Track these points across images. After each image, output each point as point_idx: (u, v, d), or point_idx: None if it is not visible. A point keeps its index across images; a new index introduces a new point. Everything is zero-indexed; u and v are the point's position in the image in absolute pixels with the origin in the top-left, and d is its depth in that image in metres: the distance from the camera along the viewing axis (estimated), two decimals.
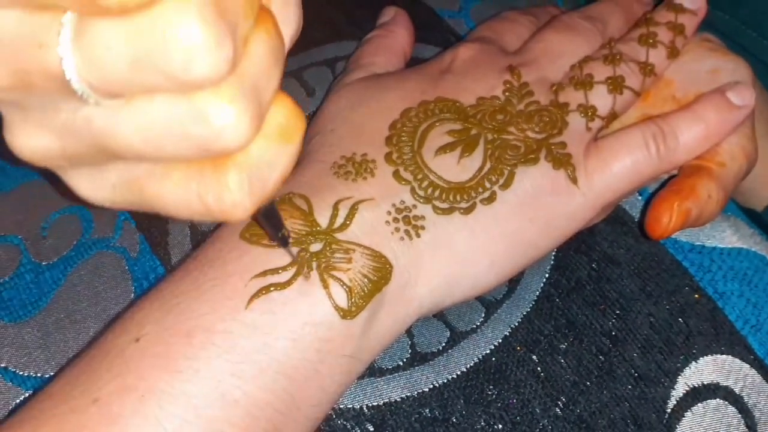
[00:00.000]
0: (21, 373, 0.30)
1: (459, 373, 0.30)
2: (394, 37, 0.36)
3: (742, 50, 0.37)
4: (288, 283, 0.26)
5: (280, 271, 0.26)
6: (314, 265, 0.26)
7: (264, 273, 0.26)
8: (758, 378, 0.32)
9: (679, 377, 0.31)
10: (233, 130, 0.17)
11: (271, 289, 0.25)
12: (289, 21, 0.19)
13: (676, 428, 0.30)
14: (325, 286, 0.26)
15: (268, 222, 0.24)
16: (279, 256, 0.26)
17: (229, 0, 0.16)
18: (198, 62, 0.16)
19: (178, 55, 0.15)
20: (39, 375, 0.30)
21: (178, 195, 0.19)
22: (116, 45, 0.15)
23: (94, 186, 0.19)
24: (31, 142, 0.18)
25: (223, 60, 0.16)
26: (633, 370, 0.31)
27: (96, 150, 0.18)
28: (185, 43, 0.15)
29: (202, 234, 0.33)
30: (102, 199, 0.20)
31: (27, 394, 0.30)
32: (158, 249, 0.32)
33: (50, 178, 0.21)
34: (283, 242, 0.25)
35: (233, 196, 0.19)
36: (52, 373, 0.30)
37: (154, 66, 0.16)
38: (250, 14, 0.17)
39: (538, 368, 0.31)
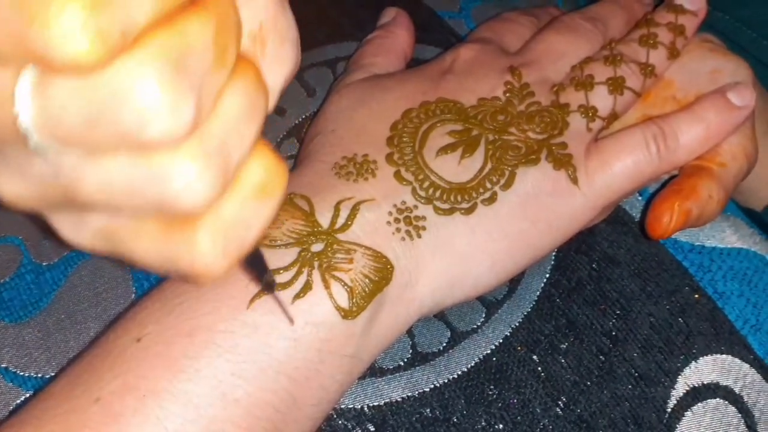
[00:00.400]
0: (21, 373, 0.30)
1: (460, 373, 0.30)
2: (394, 37, 0.36)
3: (742, 51, 0.37)
4: (289, 284, 0.26)
5: (281, 271, 0.26)
6: (316, 265, 0.26)
7: None
8: (758, 378, 0.32)
9: (679, 377, 0.31)
10: (192, 192, 0.16)
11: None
12: (285, 60, 0.19)
13: (676, 428, 0.31)
14: (327, 287, 0.26)
15: (252, 268, 0.23)
16: (280, 257, 0.26)
17: (194, 56, 0.15)
18: (153, 124, 0.15)
19: (130, 117, 0.15)
20: (39, 375, 0.30)
21: (151, 253, 0.18)
22: (71, 104, 0.15)
23: (75, 232, 0.19)
24: (12, 188, 0.18)
25: (181, 122, 0.15)
26: (633, 370, 0.31)
27: (68, 200, 0.17)
28: (138, 105, 0.15)
29: None
30: (84, 244, 0.19)
31: (27, 395, 0.30)
32: None
33: None
34: (269, 288, 0.24)
35: (205, 259, 0.18)
36: (52, 374, 0.30)
37: (108, 126, 0.15)
38: (222, 67, 0.16)
39: (539, 368, 0.31)
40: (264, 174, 0.18)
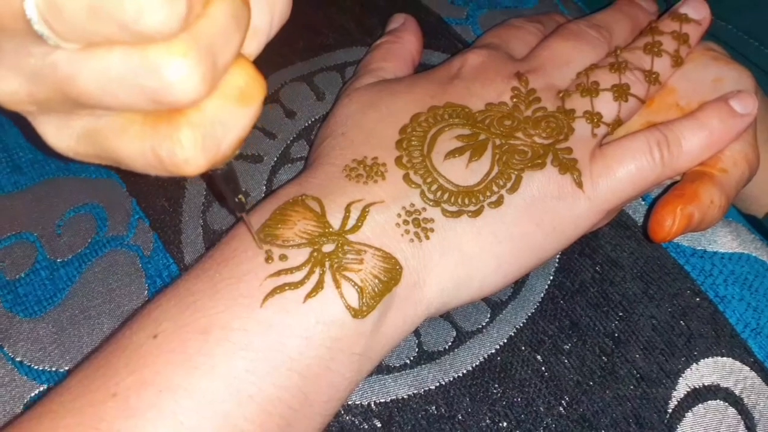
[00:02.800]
0: (36, 367, 0.31)
1: (465, 371, 0.31)
2: (403, 43, 0.36)
3: (745, 59, 0.38)
4: (301, 283, 0.26)
5: (294, 270, 0.26)
6: (327, 265, 0.27)
7: (278, 272, 0.26)
8: (758, 380, 0.33)
9: (680, 378, 0.32)
10: (183, 84, 0.18)
11: (286, 288, 0.26)
12: (274, 3, 0.20)
13: (677, 428, 0.31)
14: (337, 286, 0.27)
15: (225, 185, 0.24)
16: (293, 257, 0.27)
17: None
18: (148, 15, 0.16)
19: (130, 6, 0.16)
20: (53, 369, 0.31)
21: (134, 148, 0.19)
22: None
23: (59, 134, 0.20)
24: (2, 85, 0.19)
25: (174, 15, 0.17)
26: (635, 371, 0.32)
27: (61, 96, 0.18)
28: None
29: (215, 233, 0.34)
30: (66, 147, 0.20)
31: (41, 388, 0.30)
32: (171, 247, 0.33)
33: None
34: (240, 207, 0.25)
35: (185, 152, 0.19)
36: (66, 368, 0.30)
37: (108, 15, 0.16)
38: None
39: (543, 368, 0.31)
40: (244, 82, 0.20)
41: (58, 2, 0.16)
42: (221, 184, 0.24)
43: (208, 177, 0.23)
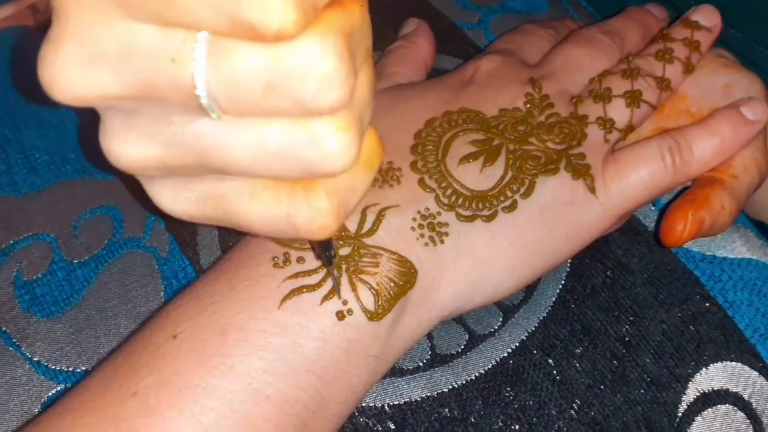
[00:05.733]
0: (53, 367, 0.31)
1: (477, 374, 0.31)
2: (416, 48, 0.37)
3: (755, 67, 0.38)
4: (318, 285, 0.27)
5: (311, 273, 0.27)
6: (343, 268, 0.27)
7: (296, 275, 0.27)
8: (766, 385, 0.33)
9: (690, 383, 0.32)
10: (342, 155, 0.18)
11: (303, 290, 0.26)
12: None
13: None
14: (354, 289, 0.27)
15: (322, 241, 0.24)
16: (310, 259, 0.27)
17: (354, 38, 0.17)
18: (328, 93, 0.17)
19: (312, 85, 0.16)
20: (70, 369, 0.31)
21: (266, 214, 0.20)
22: (256, 68, 0.16)
23: (176, 197, 0.20)
24: (132, 150, 0.19)
25: (348, 91, 0.17)
26: (645, 375, 0.32)
27: (198, 164, 0.19)
28: (321, 74, 0.16)
29: (231, 235, 0.34)
30: (181, 211, 0.21)
31: (59, 388, 0.31)
32: (187, 249, 0.33)
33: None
34: (329, 261, 0.26)
35: (323, 219, 0.20)
36: (83, 368, 0.31)
37: (286, 92, 0.17)
38: (364, 50, 0.18)
39: (554, 371, 0.32)
40: (370, 147, 0.20)
41: (235, 80, 0.16)
42: (316, 241, 0.24)
43: None
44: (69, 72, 0.17)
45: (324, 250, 0.25)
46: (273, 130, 0.18)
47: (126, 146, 0.19)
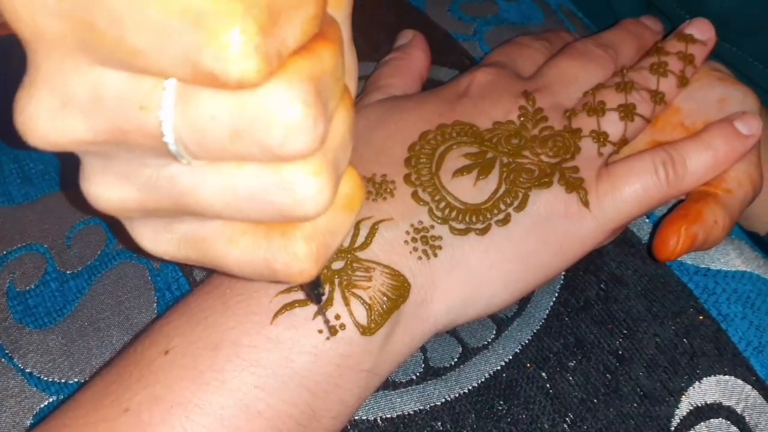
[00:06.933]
0: (45, 378, 0.31)
1: (470, 388, 0.31)
2: (411, 59, 0.37)
3: (749, 80, 0.38)
4: (310, 300, 0.27)
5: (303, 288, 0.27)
6: (336, 282, 0.27)
7: (288, 290, 0.27)
8: (760, 399, 0.33)
9: (683, 396, 0.32)
10: (314, 200, 0.18)
11: (295, 305, 0.26)
12: (353, 92, 0.21)
13: None
14: (346, 303, 0.27)
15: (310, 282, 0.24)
16: None
17: (325, 82, 0.17)
18: (295, 139, 0.17)
19: (278, 132, 0.16)
20: (63, 381, 0.31)
21: (244, 258, 0.20)
22: (221, 115, 0.16)
23: (157, 239, 0.20)
24: (109, 192, 0.19)
25: (317, 138, 0.17)
26: (639, 389, 0.32)
27: (175, 207, 0.19)
28: (287, 121, 0.16)
29: None
30: (162, 251, 0.20)
31: (51, 399, 0.30)
32: None
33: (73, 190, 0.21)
34: (317, 299, 0.26)
35: (301, 264, 0.19)
36: (75, 380, 0.31)
37: (253, 138, 0.17)
38: (338, 94, 0.18)
39: (547, 385, 0.32)
40: (351, 189, 0.20)
41: (201, 127, 0.16)
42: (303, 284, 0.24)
43: None
44: (42, 118, 0.17)
45: (312, 288, 0.25)
46: (245, 174, 0.18)
47: (103, 188, 0.19)
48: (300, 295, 0.27)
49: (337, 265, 0.28)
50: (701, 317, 0.34)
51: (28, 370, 0.31)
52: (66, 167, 0.36)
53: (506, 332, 0.33)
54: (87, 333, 0.32)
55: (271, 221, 0.19)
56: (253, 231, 0.19)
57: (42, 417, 0.29)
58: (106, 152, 0.18)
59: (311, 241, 0.19)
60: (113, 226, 0.34)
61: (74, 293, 0.33)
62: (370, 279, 0.28)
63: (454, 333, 0.33)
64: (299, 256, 0.19)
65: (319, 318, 0.26)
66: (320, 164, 0.18)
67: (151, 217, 0.20)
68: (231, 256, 0.20)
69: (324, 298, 0.26)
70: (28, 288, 0.33)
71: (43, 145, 0.18)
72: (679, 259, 0.35)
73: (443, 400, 0.31)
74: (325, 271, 0.27)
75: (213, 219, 0.19)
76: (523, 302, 0.34)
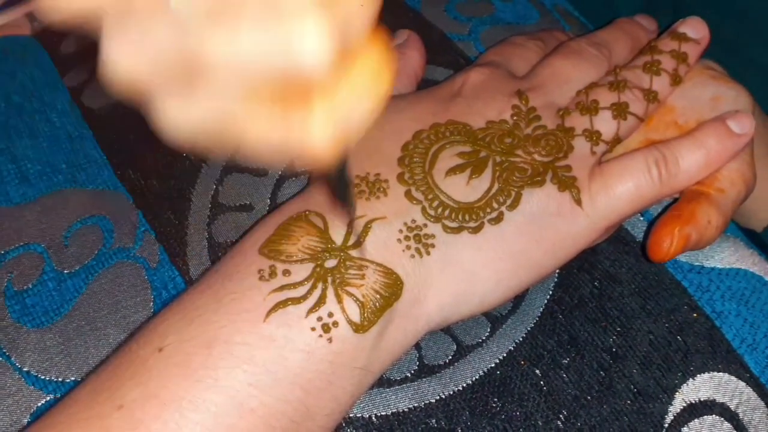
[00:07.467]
0: (42, 377, 0.31)
1: (465, 385, 0.32)
2: (406, 59, 0.37)
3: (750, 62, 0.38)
4: (304, 298, 0.27)
5: (296, 285, 0.27)
6: (329, 280, 0.27)
7: (281, 287, 0.27)
8: (753, 396, 0.33)
9: (677, 393, 0.32)
10: (316, 55, 0.18)
11: (288, 303, 0.27)
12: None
13: None
14: (339, 301, 0.27)
15: (340, 174, 0.24)
16: (296, 272, 0.27)
17: None
18: None
19: None
20: (60, 379, 0.31)
21: (265, 132, 0.20)
22: None
23: (179, 118, 0.20)
24: (126, 60, 0.19)
25: None
26: (632, 386, 0.32)
27: (186, 70, 0.19)
28: None
29: (220, 246, 0.34)
30: (185, 131, 0.20)
31: (48, 398, 0.31)
32: (177, 260, 0.34)
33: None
34: (344, 197, 0.25)
35: (317, 138, 0.19)
36: (72, 378, 0.31)
37: None
38: None
39: (541, 382, 0.32)
40: (373, 65, 0.20)
41: None
42: (334, 175, 0.24)
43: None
44: None
45: (339, 181, 0.24)
46: (248, 30, 0.17)
47: (121, 56, 0.18)
48: (293, 293, 0.27)
49: (330, 263, 0.28)
50: (695, 314, 0.34)
51: (25, 369, 0.31)
52: (66, 167, 0.37)
53: (500, 330, 0.33)
54: (84, 332, 0.32)
55: (277, 85, 0.18)
56: (271, 107, 0.19)
57: (39, 415, 0.30)
58: (119, 17, 0.18)
59: (327, 117, 0.19)
60: (114, 222, 0.35)
61: (71, 292, 0.33)
62: (363, 277, 0.28)
63: (448, 331, 0.33)
64: (315, 131, 0.19)
65: (313, 316, 0.27)
66: (321, 17, 0.17)
67: (170, 92, 0.19)
68: (252, 129, 0.20)
69: (353, 198, 0.25)
70: (25, 287, 0.33)
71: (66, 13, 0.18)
72: None
73: (438, 397, 0.31)
74: (318, 269, 0.28)
75: (229, 90, 0.19)
76: (518, 300, 0.34)
